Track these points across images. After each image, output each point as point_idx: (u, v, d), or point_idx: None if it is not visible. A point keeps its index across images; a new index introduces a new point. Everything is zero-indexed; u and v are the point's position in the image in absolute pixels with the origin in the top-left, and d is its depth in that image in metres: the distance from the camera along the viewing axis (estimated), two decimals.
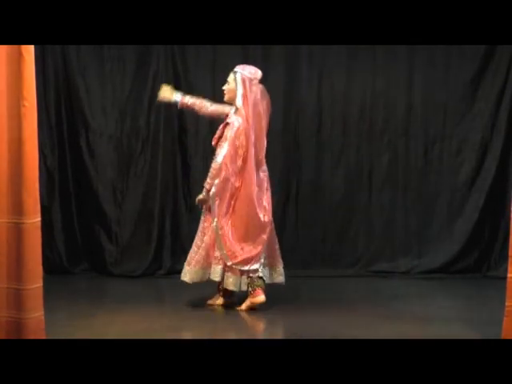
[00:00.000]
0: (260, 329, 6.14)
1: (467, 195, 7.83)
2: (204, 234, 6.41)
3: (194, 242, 6.45)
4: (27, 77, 4.49)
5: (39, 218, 4.60)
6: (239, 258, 6.30)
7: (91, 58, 7.61)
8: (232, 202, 6.36)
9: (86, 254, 7.74)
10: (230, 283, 6.34)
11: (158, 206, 7.70)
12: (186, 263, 6.45)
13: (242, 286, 6.34)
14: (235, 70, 6.43)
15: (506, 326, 4.75)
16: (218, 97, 7.66)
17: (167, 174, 7.74)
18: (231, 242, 6.32)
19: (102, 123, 7.68)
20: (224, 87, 6.47)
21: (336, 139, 7.83)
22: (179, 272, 7.64)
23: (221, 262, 6.32)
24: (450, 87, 7.79)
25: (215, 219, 6.34)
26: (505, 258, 7.09)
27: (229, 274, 6.33)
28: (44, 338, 4.63)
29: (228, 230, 6.34)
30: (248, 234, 6.35)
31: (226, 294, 6.47)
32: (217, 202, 6.33)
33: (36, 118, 4.57)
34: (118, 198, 7.72)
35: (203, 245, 6.38)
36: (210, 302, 6.51)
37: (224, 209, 6.34)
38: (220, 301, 6.49)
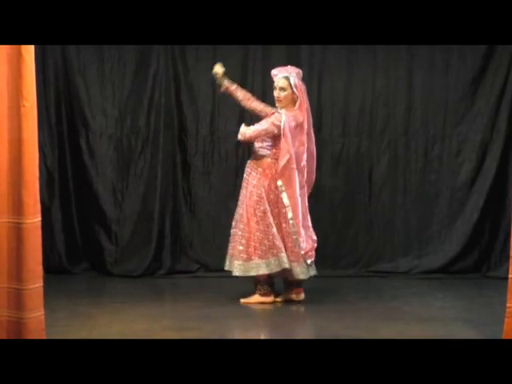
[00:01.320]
0: (260, 329, 6.13)
1: (467, 195, 7.83)
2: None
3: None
4: (27, 77, 4.49)
5: (39, 218, 4.60)
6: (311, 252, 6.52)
7: (91, 58, 7.61)
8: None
9: (86, 253, 7.73)
10: (300, 272, 6.42)
11: (158, 206, 7.69)
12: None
13: (309, 272, 6.51)
14: (285, 74, 6.44)
15: (507, 327, 4.75)
16: (217, 96, 7.69)
17: (167, 174, 7.73)
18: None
19: (102, 123, 7.68)
20: (277, 94, 6.45)
21: (336, 139, 7.84)
22: (179, 272, 7.70)
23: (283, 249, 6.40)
24: (450, 87, 7.80)
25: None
26: (505, 258, 7.11)
27: (295, 263, 6.42)
28: (44, 337, 4.63)
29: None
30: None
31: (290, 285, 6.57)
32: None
33: (36, 118, 4.56)
34: (118, 198, 7.71)
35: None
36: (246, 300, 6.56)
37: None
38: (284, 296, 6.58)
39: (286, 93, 6.41)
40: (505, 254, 7.34)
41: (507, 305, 4.75)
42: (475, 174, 7.82)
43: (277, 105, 6.48)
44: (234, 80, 7.72)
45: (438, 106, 7.83)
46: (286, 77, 6.43)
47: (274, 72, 6.53)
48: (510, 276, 4.76)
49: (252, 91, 7.61)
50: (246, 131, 6.42)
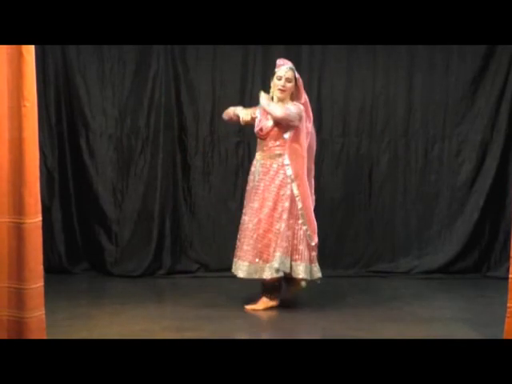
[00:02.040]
0: (260, 329, 6.13)
1: (467, 195, 7.84)
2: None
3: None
4: (28, 77, 4.49)
5: (40, 218, 4.60)
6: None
7: (91, 58, 7.61)
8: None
9: (86, 253, 7.73)
10: (302, 271, 6.25)
11: (158, 206, 7.69)
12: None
13: (313, 274, 6.32)
14: (290, 66, 6.32)
15: (508, 327, 4.75)
16: (218, 97, 7.70)
17: (167, 174, 7.73)
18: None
19: (102, 123, 7.68)
20: (283, 83, 6.27)
21: (336, 139, 7.84)
22: (179, 272, 7.70)
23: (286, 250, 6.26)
24: (450, 87, 7.80)
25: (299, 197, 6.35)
26: (505, 258, 7.11)
27: (297, 262, 6.26)
28: (45, 337, 4.63)
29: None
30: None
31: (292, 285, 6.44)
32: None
33: (36, 118, 4.56)
34: (118, 198, 7.71)
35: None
36: (251, 307, 6.39)
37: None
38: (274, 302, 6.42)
39: (291, 84, 6.29)
40: (505, 253, 7.35)
41: (508, 305, 4.75)
42: (475, 174, 7.83)
43: (279, 95, 6.35)
44: (233, 80, 7.76)
45: (438, 106, 7.83)
46: (291, 68, 6.31)
47: (279, 62, 6.34)
48: (510, 276, 4.76)
49: (252, 91, 7.64)
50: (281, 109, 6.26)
